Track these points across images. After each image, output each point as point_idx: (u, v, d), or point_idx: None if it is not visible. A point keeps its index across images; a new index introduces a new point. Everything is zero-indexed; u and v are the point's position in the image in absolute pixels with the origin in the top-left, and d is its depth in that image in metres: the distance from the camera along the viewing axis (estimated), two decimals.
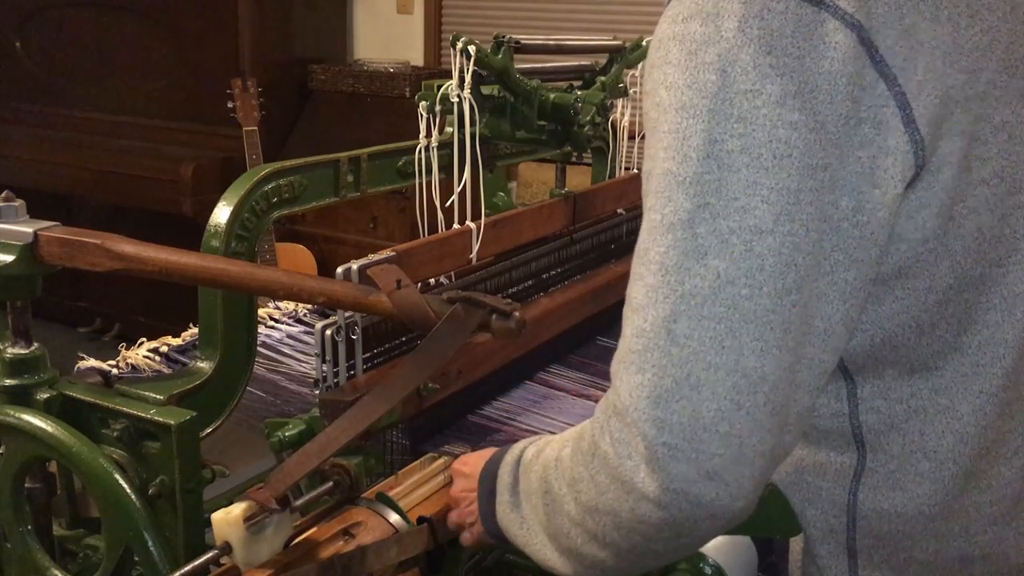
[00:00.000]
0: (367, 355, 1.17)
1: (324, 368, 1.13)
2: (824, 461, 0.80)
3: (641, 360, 0.65)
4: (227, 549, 0.91)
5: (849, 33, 0.63)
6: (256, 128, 3.29)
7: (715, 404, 0.63)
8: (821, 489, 0.80)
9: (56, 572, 1.13)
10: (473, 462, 0.96)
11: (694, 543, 0.71)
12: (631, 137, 1.78)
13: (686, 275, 0.64)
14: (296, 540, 0.96)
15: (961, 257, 0.71)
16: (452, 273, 1.34)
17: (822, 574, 0.82)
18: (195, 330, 1.40)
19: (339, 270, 1.12)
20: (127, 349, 1.41)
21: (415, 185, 1.35)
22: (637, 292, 0.67)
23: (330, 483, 1.02)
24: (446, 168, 1.35)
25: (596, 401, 1.36)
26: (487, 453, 0.94)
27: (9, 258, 1.07)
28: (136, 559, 1.09)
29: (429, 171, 1.33)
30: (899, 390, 0.75)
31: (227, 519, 0.90)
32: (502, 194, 1.80)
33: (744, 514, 0.67)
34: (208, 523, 1.13)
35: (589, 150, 1.77)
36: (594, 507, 0.71)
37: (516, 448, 0.88)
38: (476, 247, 1.34)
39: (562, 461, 0.76)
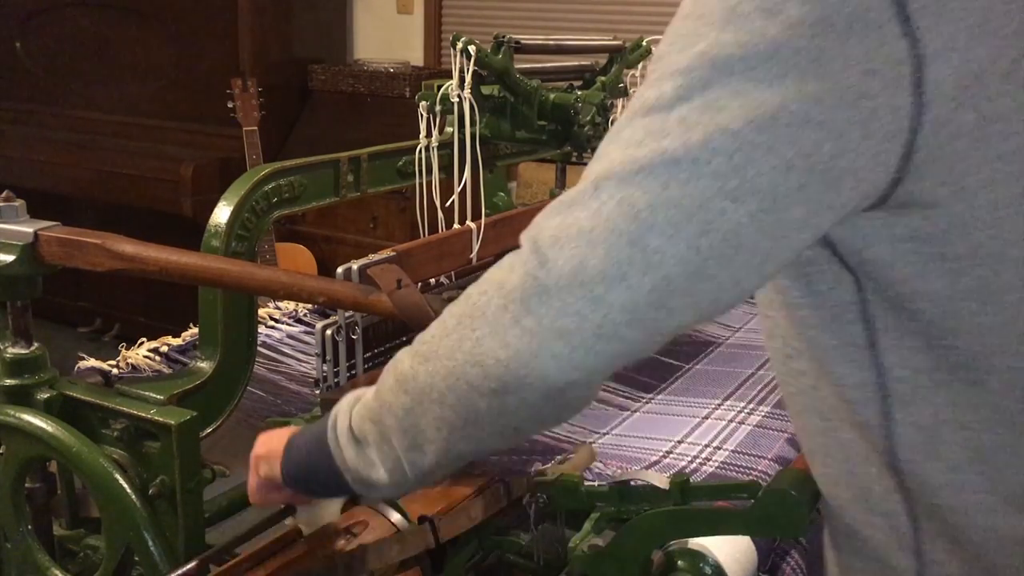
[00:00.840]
0: (367, 355, 1.17)
1: (324, 368, 1.13)
2: (862, 428, 0.78)
3: (562, 207, 0.67)
4: (291, 511, 0.96)
5: None
6: (256, 128, 3.30)
7: (601, 265, 0.63)
8: (864, 458, 0.79)
9: (56, 572, 1.13)
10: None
11: (519, 411, 0.69)
12: None
13: (638, 148, 0.65)
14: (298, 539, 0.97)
15: (973, 230, 0.70)
16: (452, 273, 1.34)
17: (879, 555, 0.80)
18: (195, 330, 1.40)
19: (339, 270, 1.12)
20: (127, 349, 1.41)
21: (415, 185, 1.35)
22: (591, 164, 0.68)
23: None
24: (446, 168, 1.35)
25: (595, 401, 1.36)
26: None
27: (9, 258, 1.07)
28: (136, 559, 1.09)
29: (429, 171, 1.33)
30: (921, 361, 0.74)
31: None
32: (502, 194, 1.80)
33: (565, 399, 0.68)
34: (208, 523, 1.13)
35: (589, 150, 1.77)
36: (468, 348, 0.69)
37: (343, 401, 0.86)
38: (476, 247, 1.34)
39: (442, 324, 0.74)
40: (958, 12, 0.65)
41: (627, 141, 0.66)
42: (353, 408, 0.82)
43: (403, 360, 0.76)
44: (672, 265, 0.64)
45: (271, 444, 0.90)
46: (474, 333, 0.68)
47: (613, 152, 0.67)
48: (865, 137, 0.65)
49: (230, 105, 3.32)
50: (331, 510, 0.96)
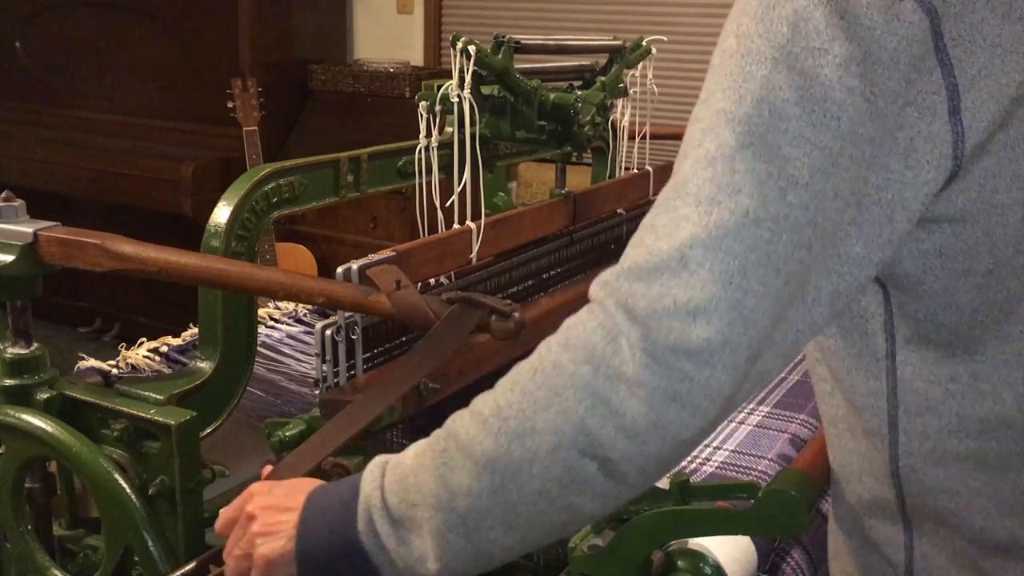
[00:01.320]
0: (367, 355, 1.17)
1: (324, 368, 1.13)
2: (865, 436, 0.81)
3: (649, 276, 0.66)
4: None
5: (923, 16, 0.65)
6: (256, 128, 3.30)
7: (705, 334, 0.64)
8: (867, 461, 0.82)
9: (56, 572, 1.13)
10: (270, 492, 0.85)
11: (628, 478, 0.68)
12: (631, 137, 1.78)
13: (715, 207, 0.65)
14: None
15: (1001, 244, 0.72)
16: (452, 273, 1.34)
17: (876, 544, 0.84)
18: (195, 330, 1.40)
19: (339, 270, 1.11)
20: (127, 349, 1.41)
21: (415, 185, 1.35)
22: (661, 219, 0.68)
23: None
24: (446, 168, 1.35)
25: None
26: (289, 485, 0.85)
27: (9, 258, 1.07)
28: (136, 559, 1.09)
29: (429, 171, 1.33)
30: (938, 372, 0.76)
31: None
32: (502, 194, 1.80)
33: (680, 451, 0.68)
34: (208, 523, 1.13)
35: (589, 150, 1.77)
36: (566, 420, 0.68)
37: (373, 467, 0.79)
38: (476, 247, 1.34)
39: (506, 408, 0.71)
40: (992, 39, 0.67)
41: (698, 198, 0.66)
42: (387, 499, 0.75)
43: (478, 440, 0.71)
44: (764, 319, 0.65)
45: (274, 543, 0.81)
46: (581, 404, 0.67)
47: (687, 211, 0.66)
48: (907, 167, 0.67)
49: (230, 105, 3.32)
50: None
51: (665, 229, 0.67)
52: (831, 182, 0.65)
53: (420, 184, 1.34)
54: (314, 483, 0.84)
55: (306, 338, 1.50)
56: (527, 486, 0.70)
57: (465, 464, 0.72)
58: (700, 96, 0.70)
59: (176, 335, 1.47)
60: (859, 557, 0.87)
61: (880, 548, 0.84)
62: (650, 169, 1.79)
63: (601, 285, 0.70)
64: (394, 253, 1.18)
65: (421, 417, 1.20)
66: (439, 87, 1.33)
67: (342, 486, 0.80)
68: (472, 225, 1.34)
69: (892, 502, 0.81)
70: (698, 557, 0.92)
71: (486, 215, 1.38)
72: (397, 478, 0.76)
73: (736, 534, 0.93)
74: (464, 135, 1.32)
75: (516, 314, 1.00)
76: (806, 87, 0.64)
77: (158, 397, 1.10)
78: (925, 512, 0.80)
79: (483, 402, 0.74)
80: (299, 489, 0.83)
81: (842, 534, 0.90)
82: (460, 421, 0.74)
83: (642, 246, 0.68)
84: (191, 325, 1.41)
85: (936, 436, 0.77)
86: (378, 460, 0.80)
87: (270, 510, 0.83)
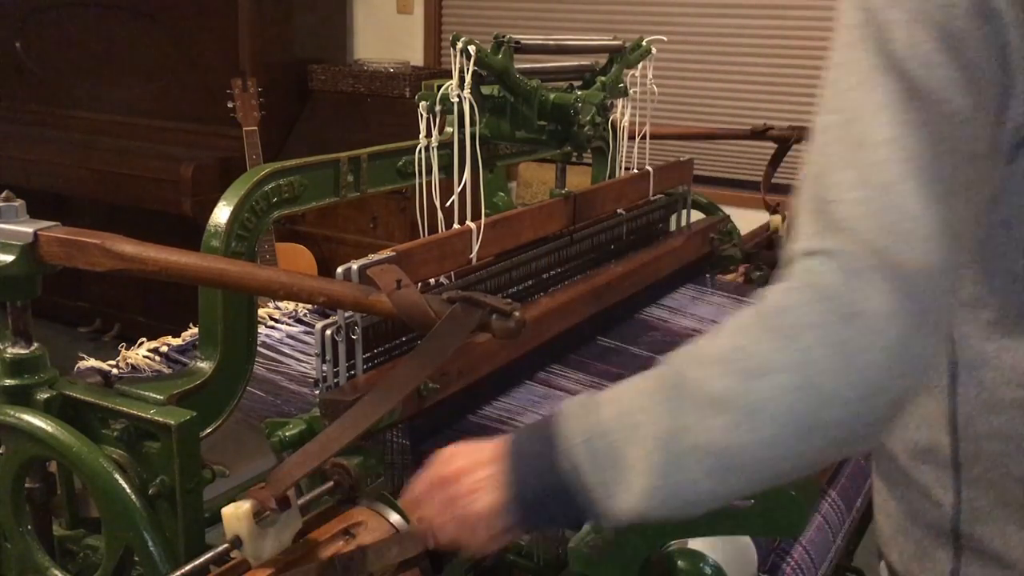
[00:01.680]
0: (367, 355, 1.17)
1: (324, 368, 1.13)
2: (926, 388, 0.86)
3: (869, 218, 0.70)
4: (237, 543, 0.91)
5: None
6: (256, 128, 3.30)
7: (934, 257, 0.69)
8: (928, 410, 0.87)
9: (56, 572, 1.13)
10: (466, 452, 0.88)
11: (864, 417, 0.70)
12: (631, 137, 1.78)
13: (904, 144, 0.70)
14: (297, 540, 0.96)
15: None
16: (452, 273, 1.34)
17: (927, 488, 0.88)
18: (195, 330, 1.40)
19: (339, 270, 1.11)
20: (127, 349, 1.41)
21: (415, 185, 1.35)
22: (847, 174, 0.71)
23: (330, 483, 1.02)
24: (446, 168, 1.35)
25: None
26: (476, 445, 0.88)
27: (9, 258, 1.07)
28: (136, 559, 1.09)
29: (429, 171, 1.33)
30: (991, 330, 0.82)
31: (237, 513, 0.91)
32: (502, 194, 1.80)
33: (908, 393, 0.72)
34: (208, 523, 1.13)
35: (589, 150, 1.77)
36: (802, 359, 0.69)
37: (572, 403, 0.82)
38: (476, 247, 1.34)
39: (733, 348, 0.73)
40: None
41: (885, 142, 0.70)
42: (594, 442, 0.77)
43: (706, 380, 0.72)
44: (965, 241, 0.72)
45: (485, 497, 0.83)
46: (821, 343, 0.68)
47: (880, 155, 0.70)
48: (1013, 96, 0.73)
49: (230, 105, 3.32)
50: (282, 540, 0.94)
51: (861, 179, 0.71)
52: (982, 119, 0.71)
53: (420, 184, 1.34)
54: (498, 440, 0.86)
55: (306, 338, 1.50)
56: (761, 429, 0.70)
57: (693, 404, 0.72)
58: (831, 75, 0.75)
59: (176, 335, 1.47)
60: (906, 502, 0.91)
61: (930, 492, 0.88)
62: (650, 169, 1.79)
63: (818, 236, 0.72)
64: (394, 253, 1.18)
65: (421, 417, 1.20)
66: (439, 87, 1.33)
67: (536, 430, 0.83)
68: (472, 225, 1.34)
69: (946, 447, 0.86)
70: (698, 557, 0.92)
71: (486, 215, 1.38)
72: (610, 415, 0.77)
73: (736, 534, 0.93)
74: (464, 135, 1.32)
75: (517, 313, 1.00)
76: (945, 36, 0.70)
77: (158, 397, 1.10)
78: (977, 456, 0.85)
79: (705, 346, 0.75)
80: (486, 445, 0.85)
81: (887, 488, 0.94)
82: (682, 363, 0.76)
83: (842, 201, 0.71)
84: (191, 325, 1.41)
85: (991, 387, 0.83)
86: (577, 401, 0.81)
87: (470, 469, 0.85)
